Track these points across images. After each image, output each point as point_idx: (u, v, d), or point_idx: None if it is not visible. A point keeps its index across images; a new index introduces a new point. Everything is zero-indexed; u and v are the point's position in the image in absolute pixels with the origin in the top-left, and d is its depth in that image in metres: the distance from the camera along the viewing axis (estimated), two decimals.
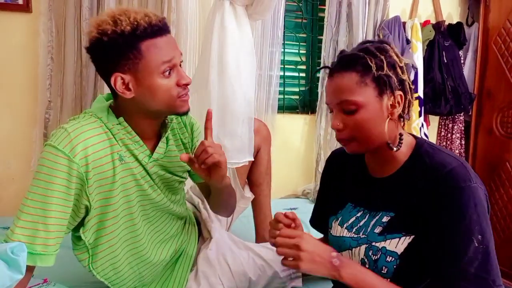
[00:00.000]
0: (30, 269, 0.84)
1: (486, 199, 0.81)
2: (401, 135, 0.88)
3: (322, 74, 2.30)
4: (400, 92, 0.85)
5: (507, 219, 2.37)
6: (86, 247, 0.95)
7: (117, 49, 0.85)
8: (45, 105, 1.81)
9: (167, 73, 0.89)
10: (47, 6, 1.77)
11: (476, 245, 0.76)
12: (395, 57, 0.86)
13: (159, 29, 0.88)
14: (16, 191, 1.84)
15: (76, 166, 0.84)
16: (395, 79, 0.84)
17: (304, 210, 2.03)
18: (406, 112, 0.88)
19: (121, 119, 0.93)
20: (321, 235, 1.14)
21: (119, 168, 0.92)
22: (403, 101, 0.86)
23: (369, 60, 0.82)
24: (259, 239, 1.45)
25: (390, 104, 0.84)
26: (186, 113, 0.96)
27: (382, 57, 0.84)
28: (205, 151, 0.91)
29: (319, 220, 1.11)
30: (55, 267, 0.87)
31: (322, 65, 2.31)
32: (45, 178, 0.83)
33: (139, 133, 0.95)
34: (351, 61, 0.84)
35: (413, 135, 0.93)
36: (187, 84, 0.93)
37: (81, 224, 0.93)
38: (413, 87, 0.90)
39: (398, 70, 0.85)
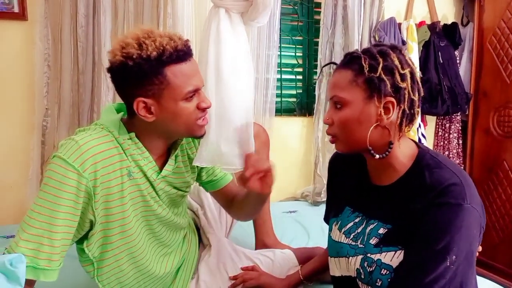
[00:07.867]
0: (31, 283, 0.83)
1: (480, 221, 0.78)
2: (391, 143, 0.84)
3: (319, 76, 2.30)
4: (392, 99, 0.81)
5: (505, 218, 2.38)
6: (91, 260, 0.94)
7: (142, 74, 0.84)
8: (42, 112, 1.80)
9: (190, 97, 0.89)
10: (43, 14, 1.76)
11: (448, 264, 0.74)
12: (396, 62, 0.82)
13: (184, 53, 0.87)
14: (14, 200, 1.83)
15: (85, 181, 0.83)
16: (388, 84, 0.81)
17: (303, 213, 2.04)
18: (404, 124, 0.84)
19: (133, 134, 0.92)
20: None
21: (127, 183, 0.91)
22: (394, 108, 0.82)
23: (363, 61, 0.82)
24: (258, 244, 1.45)
25: (379, 110, 0.81)
26: (202, 136, 0.97)
27: (381, 60, 0.81)
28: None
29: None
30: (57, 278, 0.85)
31: (318, 67, 2.32)
32: (53, 191, 0.82)
33: (149, 149, 0.95)
34: (350, 60, 0.85)
35: (416, 144, 0.90)
36: (206, 108, 0.93)
37: (85, 237, 0.93)
38: (416, 99, 0.84)
39: (397, 76, 0.81)
